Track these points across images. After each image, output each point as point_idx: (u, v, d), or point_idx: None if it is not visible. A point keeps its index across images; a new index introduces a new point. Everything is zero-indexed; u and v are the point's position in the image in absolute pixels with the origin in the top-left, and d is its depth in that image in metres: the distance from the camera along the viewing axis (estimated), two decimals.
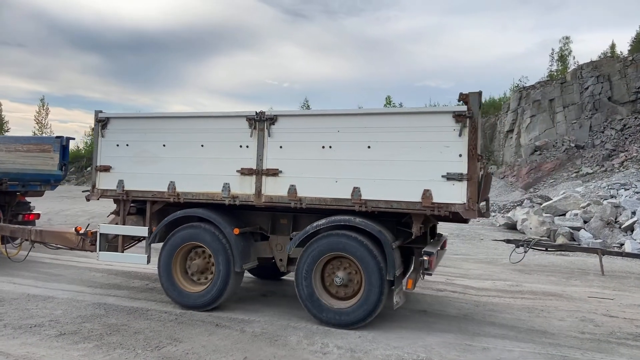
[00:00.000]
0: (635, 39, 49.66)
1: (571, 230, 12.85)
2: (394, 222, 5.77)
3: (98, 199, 6.47)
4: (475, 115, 5.02)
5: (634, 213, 12.72)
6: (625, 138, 38.42)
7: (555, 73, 51.68)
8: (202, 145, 5.97)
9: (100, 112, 6.42)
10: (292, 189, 5.58)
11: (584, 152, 40.51)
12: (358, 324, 5.30)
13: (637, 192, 13.84)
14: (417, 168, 5.16)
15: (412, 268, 5.99)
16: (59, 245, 7.86)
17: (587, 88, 42.40)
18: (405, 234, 5.69)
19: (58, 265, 8.49)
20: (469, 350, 4.74)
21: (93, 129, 6.38)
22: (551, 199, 18.10)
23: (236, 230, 5.79)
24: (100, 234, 6.44)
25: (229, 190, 5.82)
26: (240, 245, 5.82)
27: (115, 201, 6.54)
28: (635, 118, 39.64)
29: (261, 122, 5.71)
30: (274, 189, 5.67)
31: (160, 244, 6.21)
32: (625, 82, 41.00)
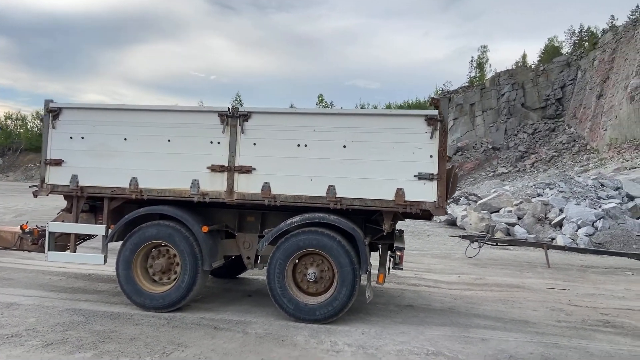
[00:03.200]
0: (544, 50, 54.38)
1: (507, 226, 13.94)
2: (363, 219, 5.94)
3: (47, 195, 5.96)
4: (446, 118, 5.32)
5: (561, 210, 14.08)
6: (536, 141, 42.15)
7: (474, 79, 55.17)
8: (169, 140, 5.73)
9: (51, 101, 5.92)
10: (266, 187, 5.54)
11: (499, 153, 43.84)
12: (331, 319, 5.39)
13: (561, 191, 15.35)
14: (391, 168, 5.35)
15: (379, 263, 6.23)
16: None
17: (503, 94, 45.89)
18: (374, 230, 5.89)
19: (4, 269, 7.68)
20: (471, 342, 4.98)
21: (42, 119, 5.87)
22: (478, 196, 19.39)
23: (205, 228, 5.65)
24: (50, 232, 5.95)
25: (198, 187, 5.65)
26: (208, 244, 5.69)
27: (66, 197, 6.08)
28: (545, 123, 43.58)
29: (234, 119, 5.61)
30: (246, 186, 5.59)
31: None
32: (537, 90, 44.92)
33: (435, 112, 5.29)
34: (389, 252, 6.09)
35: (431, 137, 5.29)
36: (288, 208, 5.68)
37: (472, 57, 58.38)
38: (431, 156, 5.29)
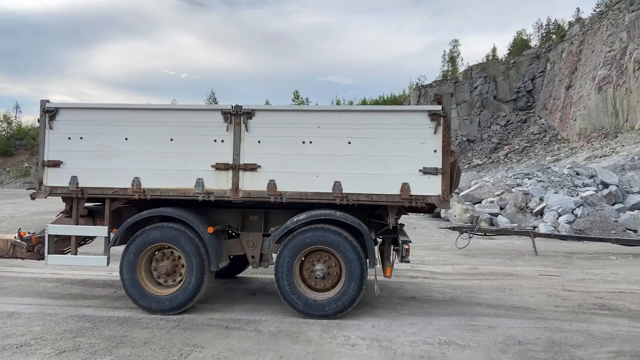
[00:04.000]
0: (513, 43, 55.52)
1: (491, 216, 14.31)
2: (367, 214, 6.02)
3: (46, 197, 5.81)
4: (449, 114, 5.43)
5: (541, 199, 14.56)
6: (509, 132, 43.20)
7: (447, 73, 56.00)
8: (172, 139, 5.66)
9: (47, 101, 5.76)
10: (272, 184, 5.55)
11: (474, 145, 44.76)
12: (340, 314, 5.46)
13: (540, 181, 15.85)
14: (396, 163, 5.44)
15: (383, 257, 6.32)
16: None
17: (476, 87, 46.76)
18: (377, 225, 5.98)
19: None
20: (479, 330, 5.13)
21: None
22: (459, 188, 19.79)
23: (210, 229, 5.62)
24: (49, 235, 5.80)
25: (203, 186, 5.61)
26: (214, 244, 5.66)
27: (65, 199, 5.94)
28: (517, 115, 44.65)
29: (237, 117, 5.58)
30: (252, 184, 5.59)
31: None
32: (508, 82, 45.92)
33: (439, 107, 5.40)
34: (393, 246, 6.20)
35: (435, 132, 5.40)
36: (293, 205, 5.70)
37: (445, 51, 59.37)
38: (435, 151, 5.40)
